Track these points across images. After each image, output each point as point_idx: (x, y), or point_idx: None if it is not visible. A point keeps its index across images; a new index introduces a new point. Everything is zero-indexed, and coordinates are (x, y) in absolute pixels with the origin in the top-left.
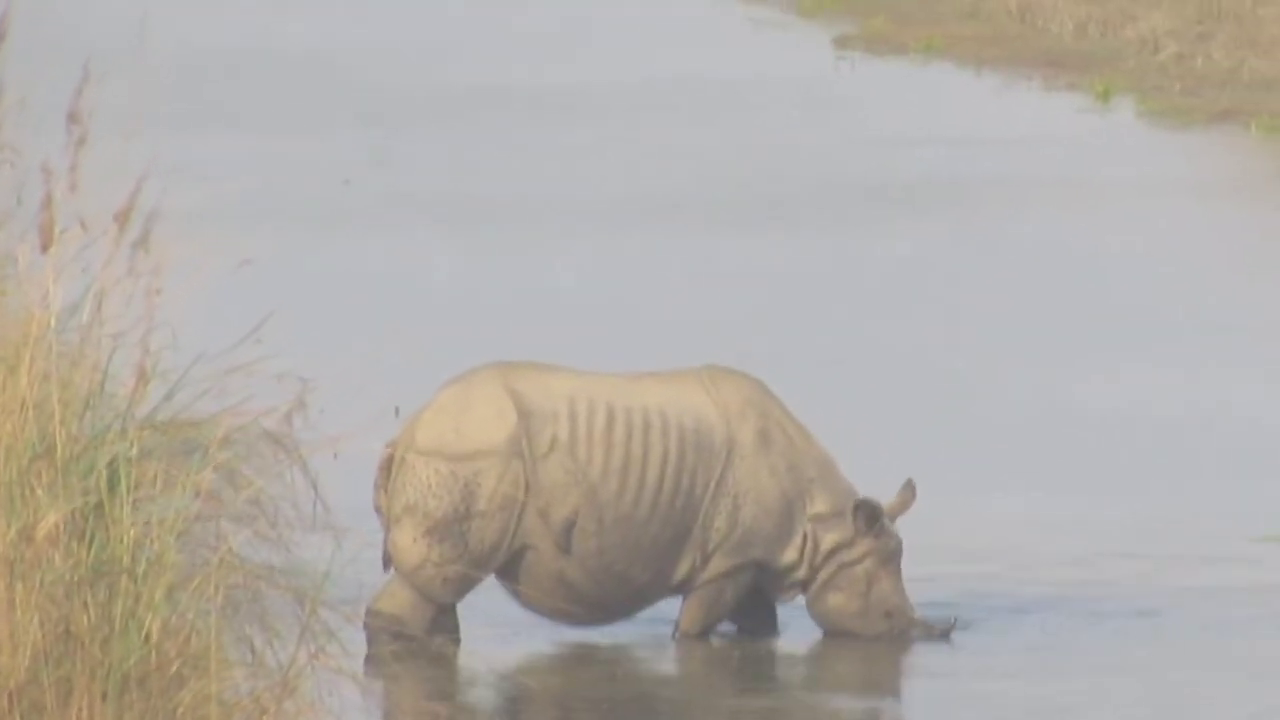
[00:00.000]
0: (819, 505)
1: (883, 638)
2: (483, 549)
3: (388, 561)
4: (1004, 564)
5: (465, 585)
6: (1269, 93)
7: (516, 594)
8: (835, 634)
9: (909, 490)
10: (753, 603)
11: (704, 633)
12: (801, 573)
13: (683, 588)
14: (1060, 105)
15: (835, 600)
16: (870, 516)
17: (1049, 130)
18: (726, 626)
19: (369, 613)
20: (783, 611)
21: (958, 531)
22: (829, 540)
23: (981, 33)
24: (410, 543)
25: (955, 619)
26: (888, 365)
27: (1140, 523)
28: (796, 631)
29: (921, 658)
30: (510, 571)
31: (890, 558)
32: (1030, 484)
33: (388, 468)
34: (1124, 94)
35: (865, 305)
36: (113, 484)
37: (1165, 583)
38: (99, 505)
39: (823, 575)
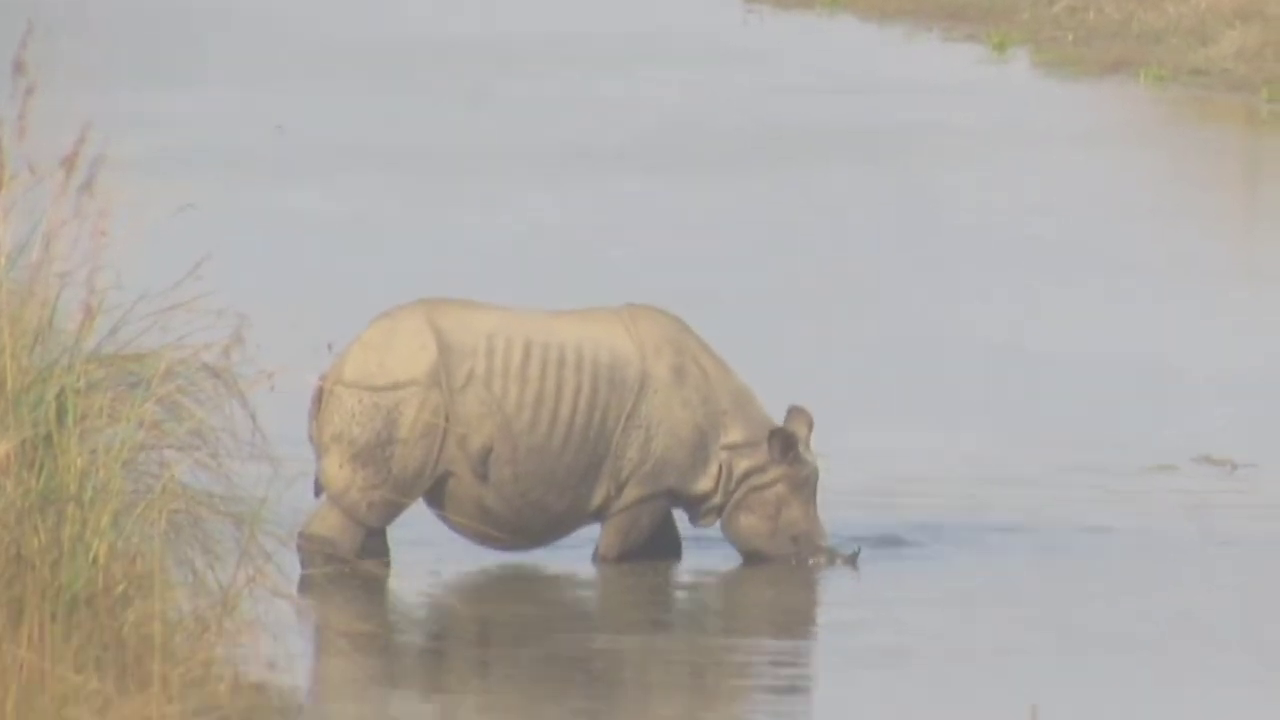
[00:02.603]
0: (733, 435)
1: (789, 560)
2: (406, 475)
3: (319, 488)
4: (903, 495)
5: (391, 510)
6: (1157, 45)
7: (444, 519)
8: (746, 555)
9: (799, 416)
10: (660, 530)
11: (621, 557)
12: (717, 500)
13: (600, 515)
14: (959, 56)
15: (746, 521)
16: (785, 445)
17: (948, 80)
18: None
19: (301, 536)
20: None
21: (867, 463)
22: (742, 466)
23: None
24: (337, 469)
25: (859, 548)
26: (799, 300)
27: (1031, 452)
28: (703, 557)
29: (828, 583)
30: (435, 497)
31: (802, 485)
32: (929, 416)
33: (319, 399)
34: (1019, 45)
35: (778, 244)
36: (61, 415)
37: (1055, 513)
38: (48, 436)
39: (736, 496)
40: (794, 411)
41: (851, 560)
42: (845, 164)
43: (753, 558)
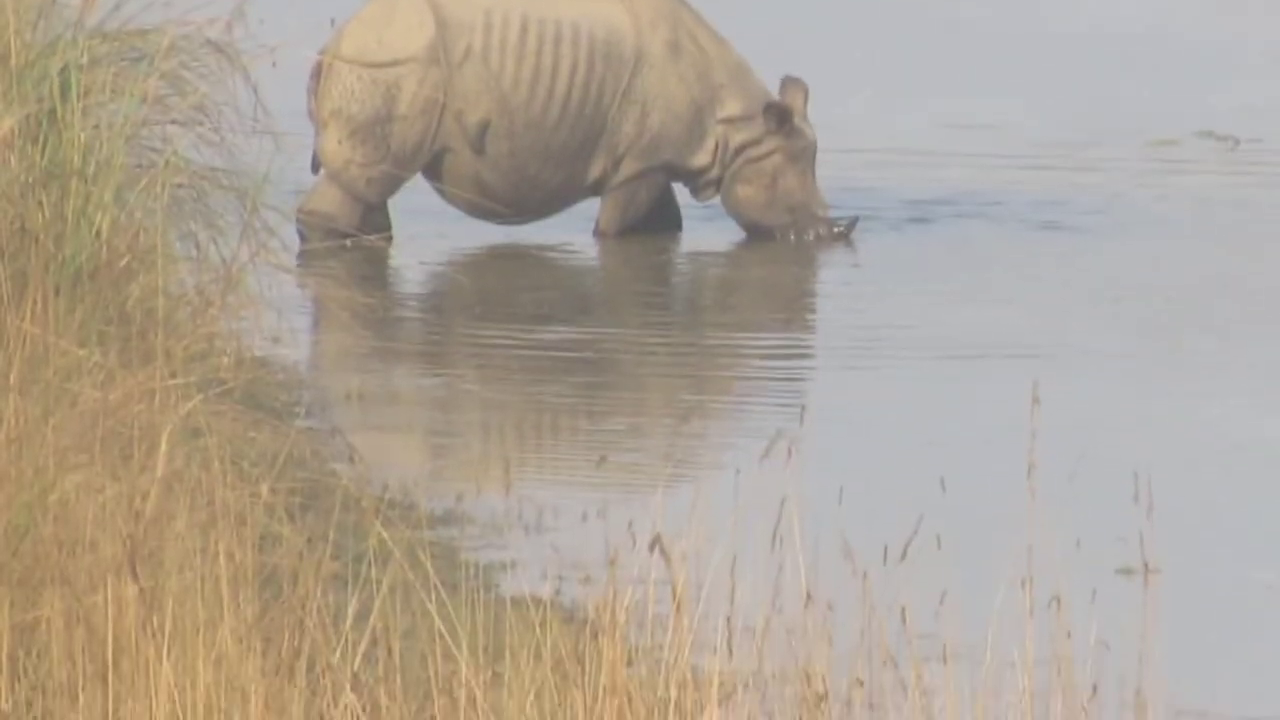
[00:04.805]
0: (730, 109)
1: (787, 230)
2: (404, 150)
3: (316, 163)
4: (914, 167)
5: (389, 184)
6: None
7: (442, 193)
8: (745, 226)
9: (794, 87)
10: (660, 203)
11: (620, 231)
12: (714, 173)
13: (596, 189)
14: None
15: (743, 191)
16: (780, 117)
17: None
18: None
19: (302, 211)
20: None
21: (883, 134)
22: (739, 138)
23: None
24: (336, 145)
25: (856, 218)
26: None
27: (1052, 131)
28: (701, 232)
29: (824, 255)
30: (434, 171)
31: (798, 156)
32: (933, 89)
33: (317, 75)
34: None
35: None
36: (64, 90)
37: (1064, 191)
38: (52, 111)
39: (733, 168)
40: (788, 82)
41: (848, 230)
42: None
43: (751, 229)
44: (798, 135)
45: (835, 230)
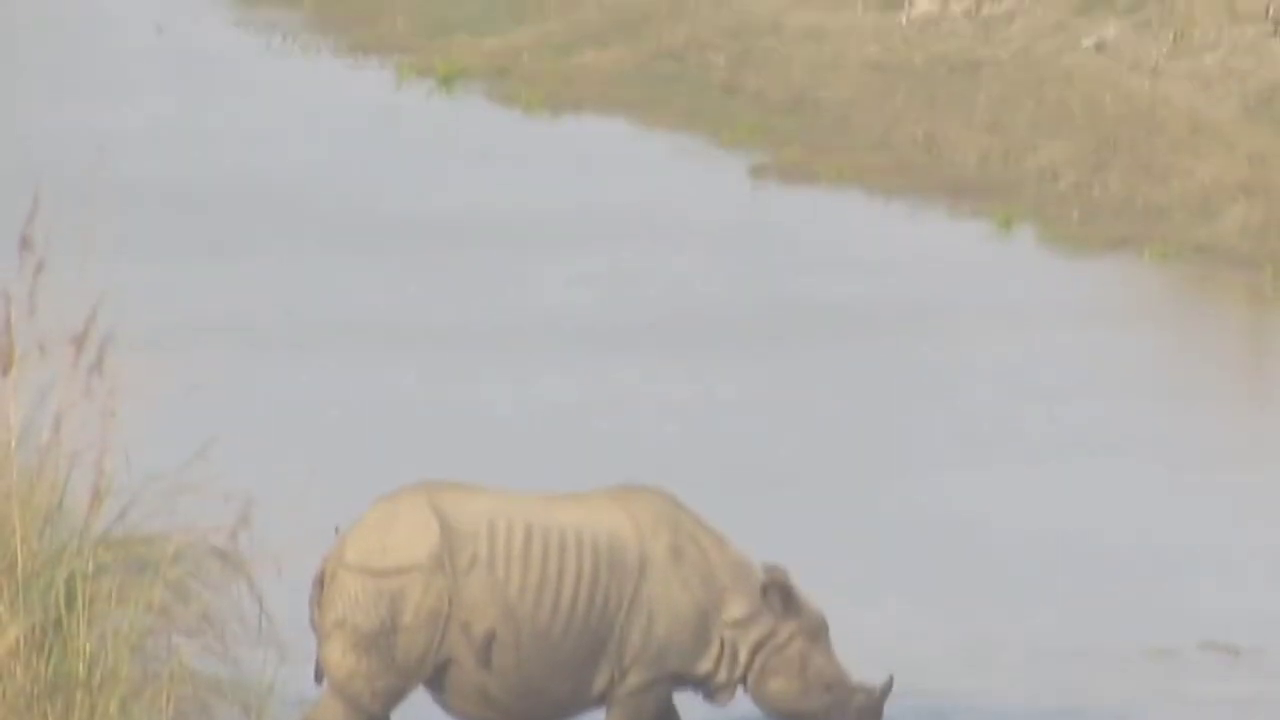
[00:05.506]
0: (735, 610)
1: (830, 710)
2: (409, 661)
3: (320, 674)
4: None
5: (394, 697)
6: (1161, 220)
7: (444, 704)
8: (782, 717)
9: (776, 573)
10: (660, 714)
11: None
12: (721, 678)
13: (602, 700)
14: (965, 233)
15: (776, 685)
16: (784, 595)
17: (954, 257)
18: None
19: None
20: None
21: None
22: (753, 637)
23: (889, 163)
24: (340, 656)
25: (891, 678)
26: (801, 482)
27: (1019, 636)
28: None
29: None
30: (436, 683)
31: (817, 633)
32: (932, 596)
33: (320, 583)
34: (1025, 222)
35: (783, 424)
36: (70, 599)
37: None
38: (57, 620)
39: (758, 664)
40: (770, 570)
41: (886, 692)
42: (848, 339)
43: (788, 719)
44: (808, 612)
45: (876, 696)
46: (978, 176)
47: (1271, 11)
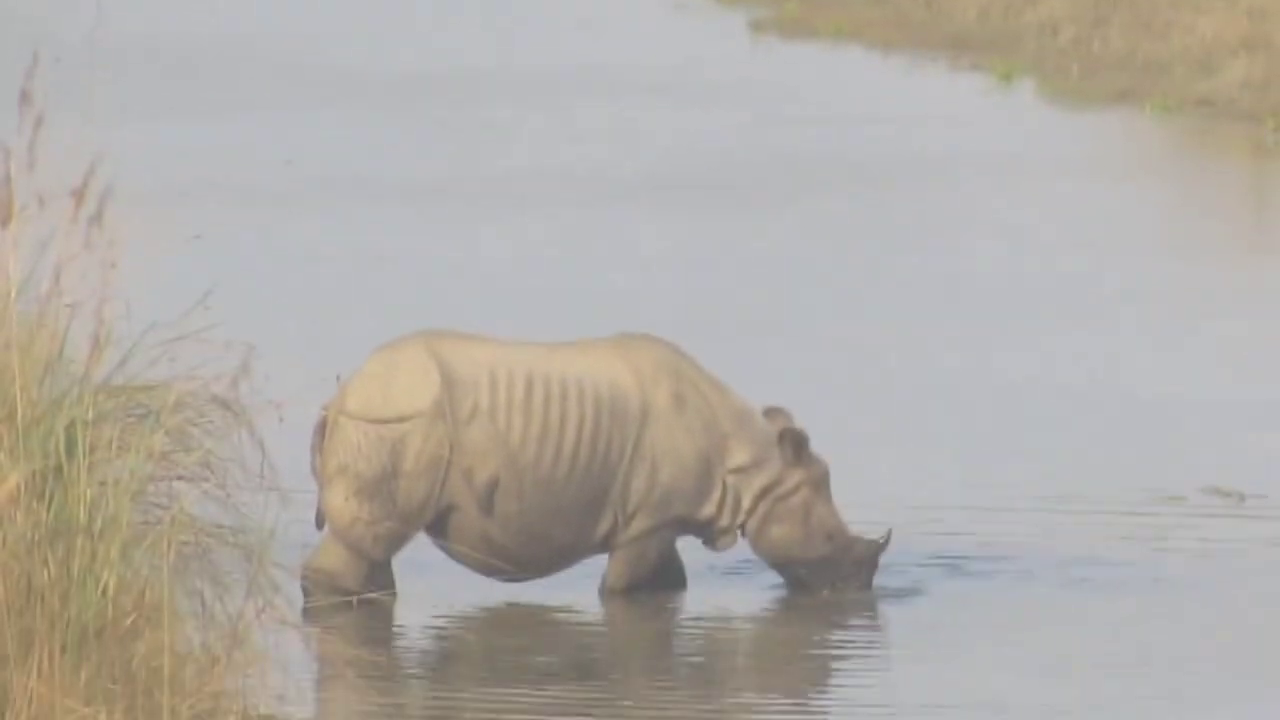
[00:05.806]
0: (739, 457)
1: (827, 560)
2: (411, 507)
3: (321, 520)
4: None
5: (396, 542)
6: (1163, 75)
7: (446, 549)
8: (779, 566)
9: (780, 415)
10: (665, 559)
11: (629, 588)
12: (724, 523)
13: (605, 545)
14: (965, 86)
15: (778, 532)
16: (797, 444)
17: (953, 110)
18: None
19: (307, 568)
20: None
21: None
22: (758, 483)
23: (888, 17)
24: (342, 502)
25: (890, 531)
26: (803, 332)
27: (1039, 482)
28: (709, 588)
29: (841, 615)
30: (439, 529)
31: (821, 483)
32: (938, 449)
33: (321, 431)
34: (1025, 76)
35: (785, 275)
36: (70, 447)
37: (1047, 544)
38: (58, 467)
39: (761, 511)
40: (771, 412)
41: (884, 544)
42: (849, 192)
43: (785, 567)
44: (815, 462)
45: (874, 547)
46: (978, 31)
47: None
